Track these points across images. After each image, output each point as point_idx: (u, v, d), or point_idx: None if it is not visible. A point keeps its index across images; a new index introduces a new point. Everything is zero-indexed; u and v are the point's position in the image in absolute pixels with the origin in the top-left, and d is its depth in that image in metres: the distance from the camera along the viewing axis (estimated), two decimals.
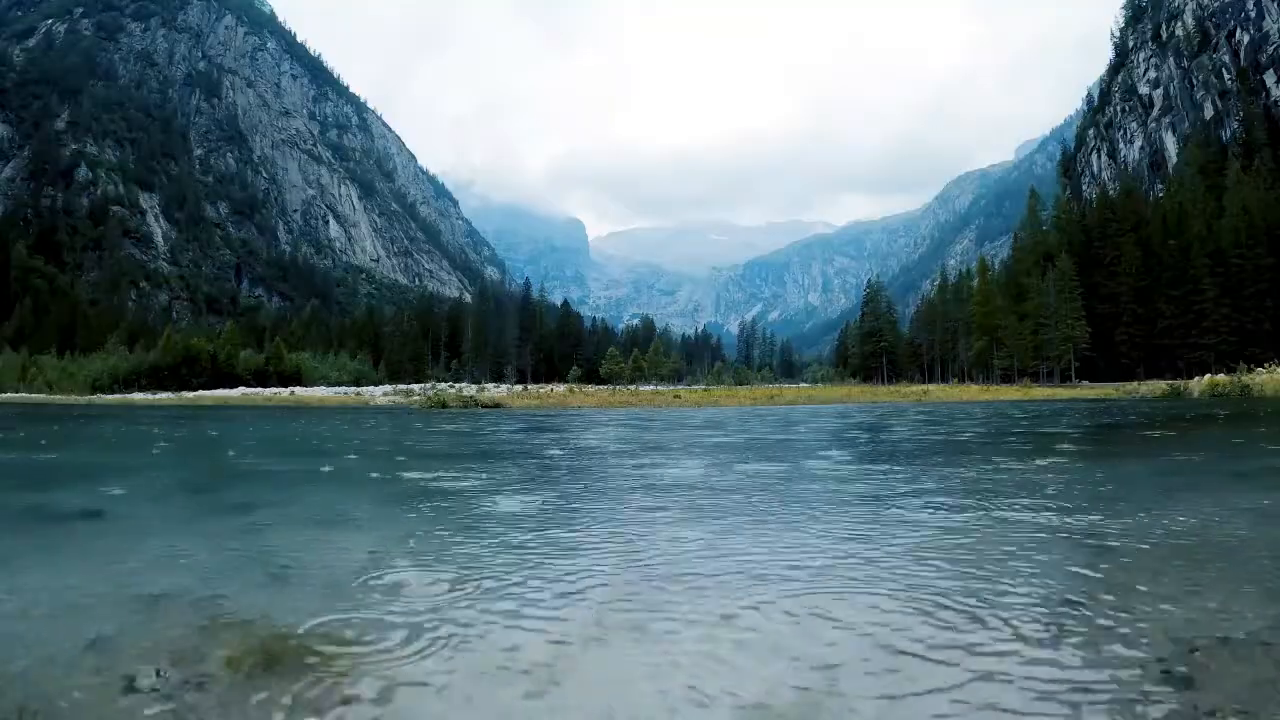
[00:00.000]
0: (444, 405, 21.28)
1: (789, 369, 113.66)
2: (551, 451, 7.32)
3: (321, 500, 4.18)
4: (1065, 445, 7.53)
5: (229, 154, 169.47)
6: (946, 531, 2.87)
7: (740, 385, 55.04)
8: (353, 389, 43.09)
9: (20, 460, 7.43)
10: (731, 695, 1.33)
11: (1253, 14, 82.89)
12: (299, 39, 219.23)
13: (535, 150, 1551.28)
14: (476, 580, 2.18)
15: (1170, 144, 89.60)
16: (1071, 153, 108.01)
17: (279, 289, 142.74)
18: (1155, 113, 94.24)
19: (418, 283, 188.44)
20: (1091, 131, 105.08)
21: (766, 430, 10.47)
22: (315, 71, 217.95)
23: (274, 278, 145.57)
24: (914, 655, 1.50)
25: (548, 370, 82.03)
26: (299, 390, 41.09)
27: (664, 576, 2.20)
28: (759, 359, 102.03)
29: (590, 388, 42.69)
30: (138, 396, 39.37)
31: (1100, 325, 52.68)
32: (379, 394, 33.78)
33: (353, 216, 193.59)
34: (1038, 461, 5.91)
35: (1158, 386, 27.76)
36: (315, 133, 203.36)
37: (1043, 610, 1.78)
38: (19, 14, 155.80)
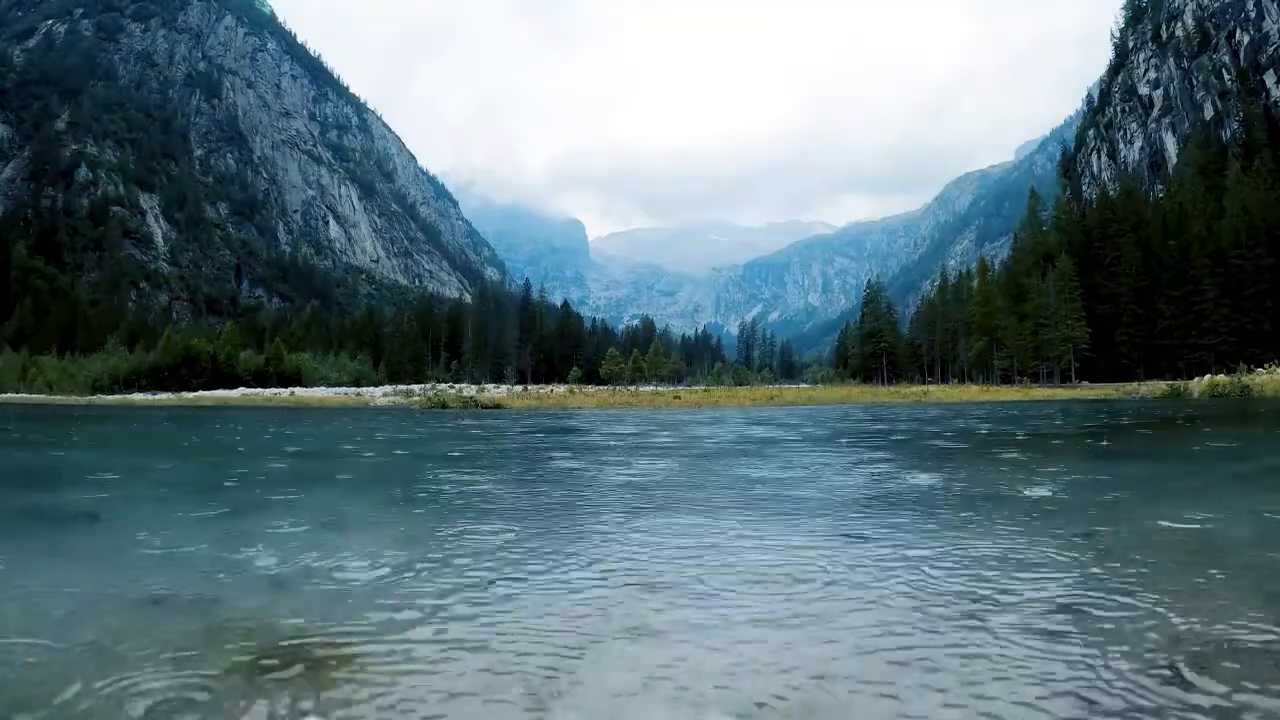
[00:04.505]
0: (444, 406, 21.29)
1: (789, 370, 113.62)
2: (552, 452, 7.33)
3: (322, 501, 4.17)
4: (1064, 446, 7.54)
5: (229, 154, 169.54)
6: (945, 533, 2.87)
7: (740, 386, 55.02)
8: (353, 390, 43.10)
9: (21, 460, 7.44)
10: (732, 697, 1.33)
11: (1253, 14, 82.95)
12: (299, 39, 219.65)
13: (535, 151, 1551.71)
14: (478, 582, 2.18)
15: (1170, 144, 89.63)
16: (1071, 153, 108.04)
17: (279, 289, 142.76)
18: (1155, 113, 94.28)
19: (418, 283, 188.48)
20: (1091, 132, 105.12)
21: (767, 432, 10.47)
22: (315, 72, 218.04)
23: (274, 278, 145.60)
24: (913, 657, 1.52)
25: (548, 371, 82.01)
26: (299, 391, 41.11)
27: (664, 580, 2.20)
28: (759, 360, 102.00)
29: (590, 388, 42.69)
30: (138, 397, 39.38)
31: (1100, 326, 52.67)
32: (379, 395, 33.79)
33: (353, 217, 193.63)
34: (1036, 462, 5.90)
35: (1158, 387, 27.79)
36: (315, 133, 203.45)
37: (1042, 612, 1.78)
38: (19, 14, 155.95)
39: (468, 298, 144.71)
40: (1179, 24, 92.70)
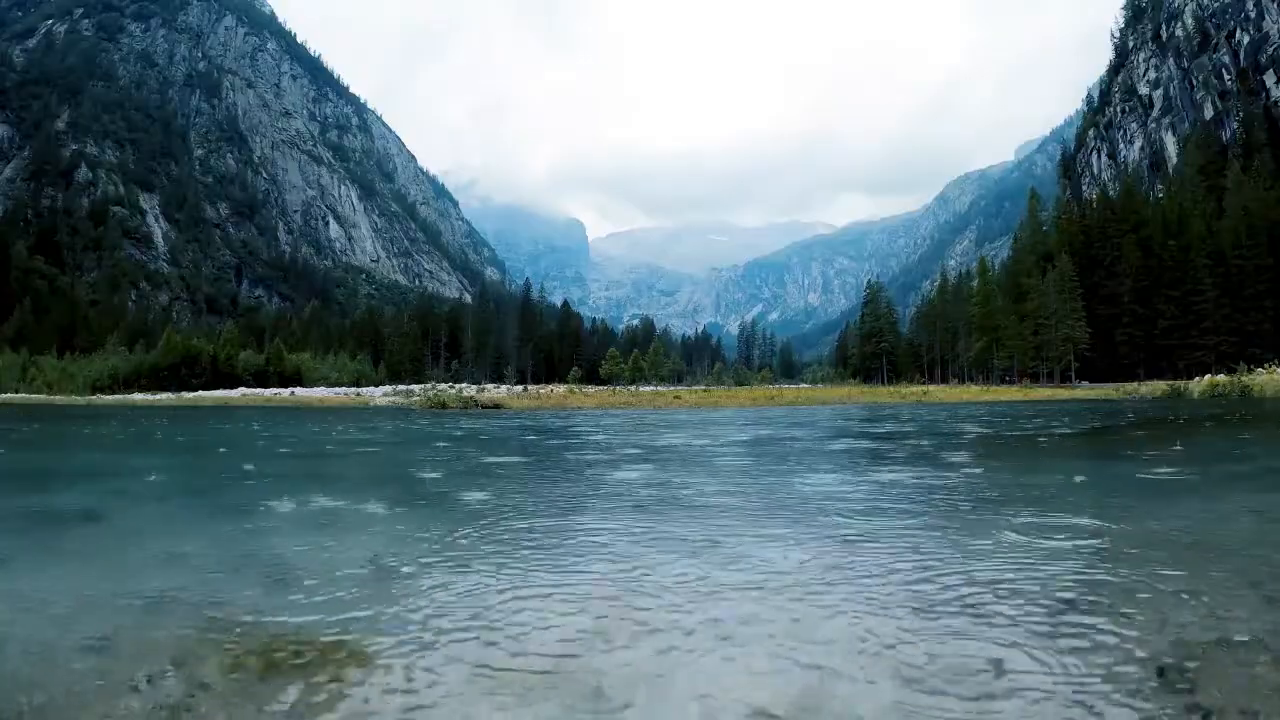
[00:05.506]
0: (444, 406, 21.28)
1: (789, 370, 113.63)
2: (551, 452, 7.32)
3: (321, 501, 4.17)
4: (1062, 445, 7.55)
5: (229, 154, 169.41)
6: (945, 532, 2.87)
7: (740, 386, 55.02)
8: (353, 390, 43.10)
9: (21, 461, 7.44)
10: (733, 696, 1.34)
11: (1252, 14, 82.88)
12: (299, 39, 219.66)
13: (535, 151, 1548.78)
14: (477, 582, 2.18)
15: (1170, 144, 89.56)
16: (1071, 153, 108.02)
17: (279, 289, 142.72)
18: (1155, 113, 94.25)
19: (418, 283, 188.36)
20: (1091, 132, 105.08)
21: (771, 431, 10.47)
22: (315, 72, 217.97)
23: (274, 278, 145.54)
24: (913, 658, 1.52)
25: (548, 371, 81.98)
26: (299, 391, 41.11)
27: (664, 579, 2.20)
28: (759, 359, 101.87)
29: (590, 388, 42.64)
30: (138, 397, 39.39)
31: (1100, 326, 52.62)
32: (379, 395, 33.79)
33: (353, 217, 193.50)
34: (1035, 462, 5.91)
35: (1158, 387, 27.81)
36: (315, 133, 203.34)
37: (1042, 612, 1.79)
38: (19, 14, 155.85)
39: (468, 298, 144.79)
40: (1179, 24, 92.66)
